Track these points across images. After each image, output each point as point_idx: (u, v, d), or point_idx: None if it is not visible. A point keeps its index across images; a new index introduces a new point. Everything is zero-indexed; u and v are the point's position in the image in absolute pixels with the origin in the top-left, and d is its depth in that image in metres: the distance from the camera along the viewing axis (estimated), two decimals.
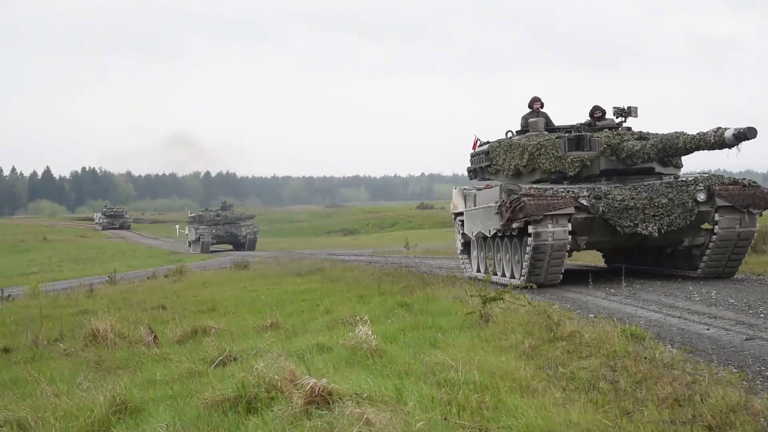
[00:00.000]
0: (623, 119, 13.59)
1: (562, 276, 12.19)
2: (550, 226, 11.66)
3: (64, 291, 17.68)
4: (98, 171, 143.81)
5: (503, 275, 13.37)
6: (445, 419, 4.54)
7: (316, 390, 4.86)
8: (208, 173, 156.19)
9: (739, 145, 10.98)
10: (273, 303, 11.57)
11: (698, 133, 11.54)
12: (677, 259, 13.17)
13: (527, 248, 11.91)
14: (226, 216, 46.25)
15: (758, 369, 5.78)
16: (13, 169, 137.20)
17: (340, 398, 4.80)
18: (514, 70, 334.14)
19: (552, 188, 12.30)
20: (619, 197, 12.01)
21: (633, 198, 12.06)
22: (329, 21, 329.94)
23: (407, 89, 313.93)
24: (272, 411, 4.88)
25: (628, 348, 6.21)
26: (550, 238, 11.67)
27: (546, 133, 13.51)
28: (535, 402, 4.81)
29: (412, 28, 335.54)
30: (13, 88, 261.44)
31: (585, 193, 12.07)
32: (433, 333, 7.59)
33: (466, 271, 15.86)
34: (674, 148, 11.96)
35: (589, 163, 12.90)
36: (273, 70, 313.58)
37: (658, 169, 13.17)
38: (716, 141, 11.16)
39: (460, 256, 16.44)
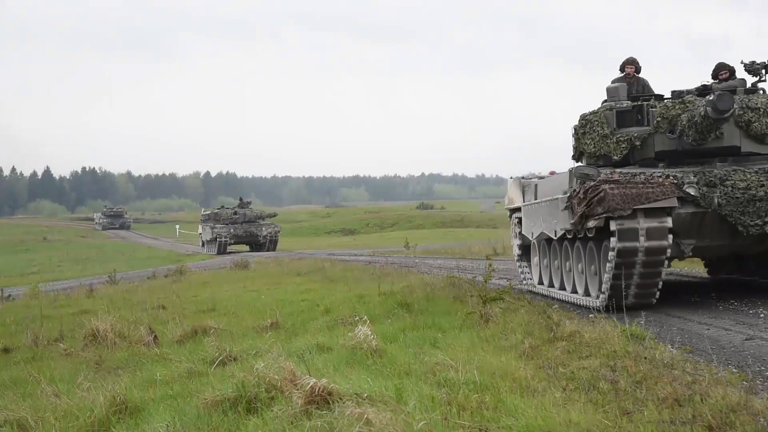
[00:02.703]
0: (760, 78, 9.94)
1: (657, 296, 9.06)
2: (642, 224, 8.55)
3: (64, 291, 17.67)
4: (98, 171, 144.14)
5: (573, 291, 10.36)
6: (445, 419, 4.54)
7: (316, 390, 4.86)
8: (208, 173, 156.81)
9: (726, 116, 8.98)
10: (273, 303, 11.56)
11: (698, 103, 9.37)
12: None
13: (609, 256, 8.84)
14: (244, 214, 41.57)
15: (758, 369, 5.78)
16: (13, 169, 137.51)
17: (340, 398, 4.80)
18: (513, 70, 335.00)
19: (644, 172, 9.14)
20: (742, 184, 8.86)
21: (763, 185, 8.87)
22: (329, 21, 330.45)
23: (407, 89, 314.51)
24: (272, 411, 4.87)
25: (628, 348, 6.21)
26: (642, 242, 8.57)
27: (628, 103, 10.09)
28: (535, 402, 4.81)
29: (411, 28, 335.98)
30: (12, 88, 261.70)
31: (692, 179, 8.90)
32: (433, 333, 7.59)
33: (526, 282, 12.68)
34: (692, 122, 9.26)
35: (638, 143, 9.74)
36: (273, 71, 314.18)
37: (748, 148, 9.56)
38: (705, 114, 8.96)
39: (518, 264, 13.15)
